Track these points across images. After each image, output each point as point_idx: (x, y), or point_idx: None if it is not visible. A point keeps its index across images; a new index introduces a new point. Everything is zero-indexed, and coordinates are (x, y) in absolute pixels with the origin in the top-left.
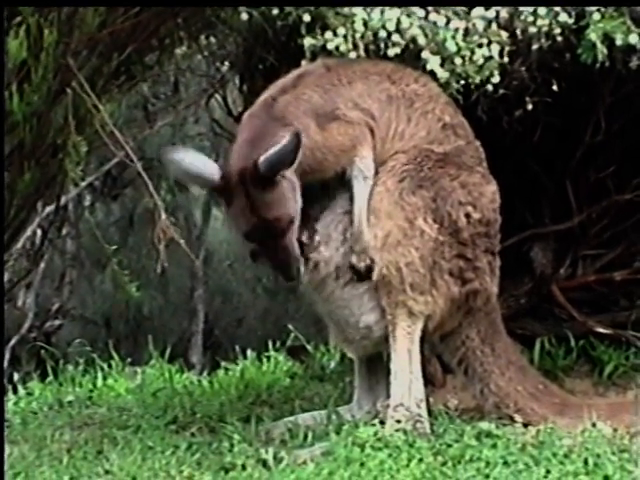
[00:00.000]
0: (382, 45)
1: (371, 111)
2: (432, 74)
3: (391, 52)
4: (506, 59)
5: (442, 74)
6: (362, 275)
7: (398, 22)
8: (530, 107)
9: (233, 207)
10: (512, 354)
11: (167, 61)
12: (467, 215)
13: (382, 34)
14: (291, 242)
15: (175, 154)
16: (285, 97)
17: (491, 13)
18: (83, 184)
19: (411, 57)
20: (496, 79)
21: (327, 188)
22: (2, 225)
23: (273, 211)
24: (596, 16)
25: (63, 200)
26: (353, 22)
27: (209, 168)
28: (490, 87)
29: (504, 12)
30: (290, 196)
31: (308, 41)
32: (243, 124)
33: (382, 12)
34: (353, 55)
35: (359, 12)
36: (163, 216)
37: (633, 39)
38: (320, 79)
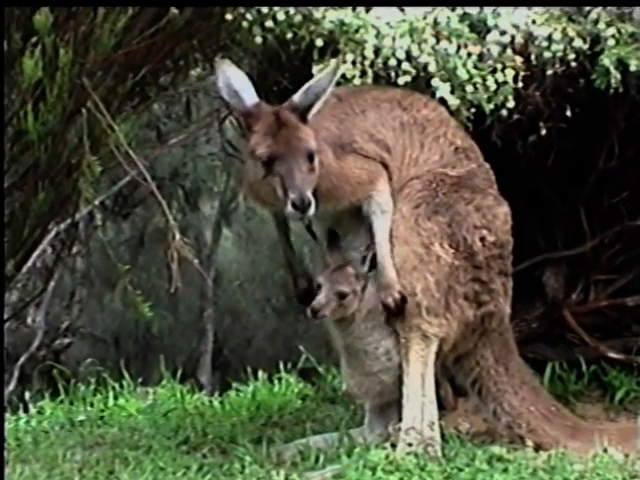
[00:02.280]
0: (392, 73)
1: (386, 142)
2: (442, 101)
3: (401, 80)
4: (520, 84)
5: (453, 101)
6: (392, 311)
7: (409, 50)
8: (544, 132)
9: (257, 132)
10: (525, 374)
11: (181, 82)
12: (482, 239)
13: (392, 62)
14: (306, 175)
15: (228, 66)
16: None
17: (506, 38)
18: (95, 202)
19: (421, 85)
20: (510, 104)
21: (342, 223)
22: (2, 236)
23: (298, 137)
24: (610, 42)
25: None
26: (364, 49)
27: (249, 92)
28: (504, 112)
29: (519, 37)
30: (315, 140)
31: (317, 68)
32: None
33: (393, 39)
34: (358, 82)
35: (370, 39)
36: (177, 236)
37: None
38: (334, 109)
